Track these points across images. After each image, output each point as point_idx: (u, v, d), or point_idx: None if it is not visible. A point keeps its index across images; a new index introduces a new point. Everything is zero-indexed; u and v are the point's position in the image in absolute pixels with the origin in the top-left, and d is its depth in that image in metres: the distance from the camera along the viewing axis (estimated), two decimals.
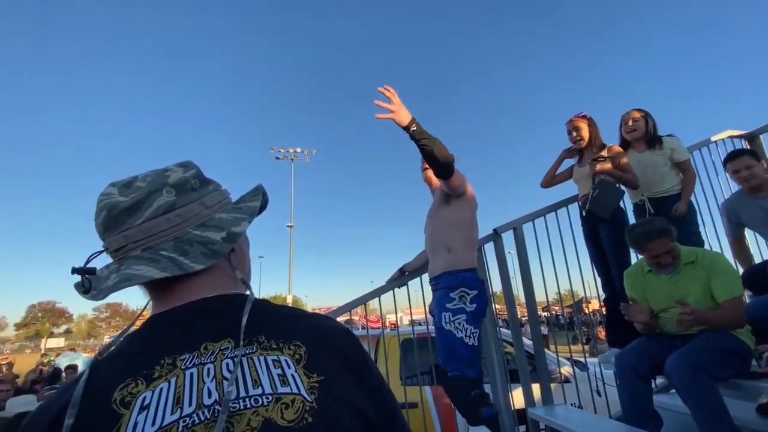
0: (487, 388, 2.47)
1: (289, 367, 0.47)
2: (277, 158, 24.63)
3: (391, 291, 2.49)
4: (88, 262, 0.53)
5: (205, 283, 0.55)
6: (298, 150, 24.67)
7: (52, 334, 49.75)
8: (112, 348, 0.51)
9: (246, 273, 0.62)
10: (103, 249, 0.54)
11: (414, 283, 2.55)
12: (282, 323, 0.53)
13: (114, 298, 0.54)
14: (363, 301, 2.46)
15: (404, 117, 1.72)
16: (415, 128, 1.73)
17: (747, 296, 2.46)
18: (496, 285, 2.69)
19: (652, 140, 2.67)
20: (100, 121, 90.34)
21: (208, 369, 0.46)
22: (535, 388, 2.38)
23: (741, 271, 2.43)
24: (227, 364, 0.47)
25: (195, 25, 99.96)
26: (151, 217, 0.52)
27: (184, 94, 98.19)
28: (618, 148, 2.70)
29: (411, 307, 2.77)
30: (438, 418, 2.87)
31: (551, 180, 2.95)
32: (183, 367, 0.46)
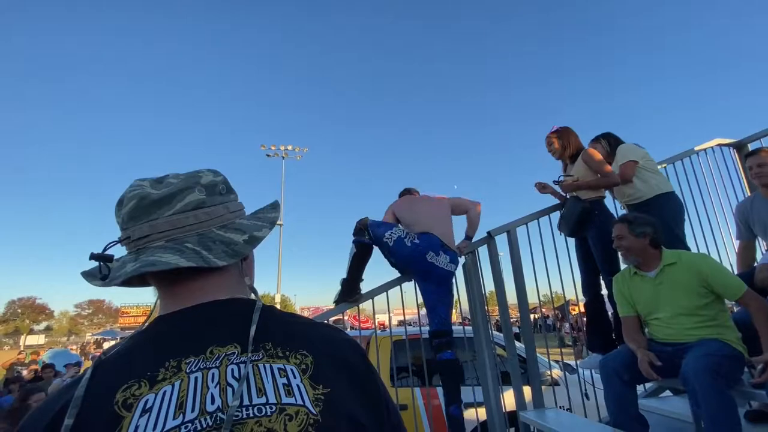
0: (478, 390, 2.49)
1: (295, 377, 0.47)
2: (268, 155, 24.36)
3: (385, 293, 2.48)
4: (106, 249, 0.53)
5: (217, 286, 0.55)
6: (290, 148, 24.43)
7: (31, 331, 48.58)
8: (117, 348, 0.50)
9: (252, 281, 0.63)
10: (121, 239, 0.54)
11: (407, 285, 2.56)
12: (289, 331, 0.53)
13: (97, 294, 0.52)
14: (355, 303, 2.44)
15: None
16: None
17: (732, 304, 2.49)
18: (488, 286, 2.70)
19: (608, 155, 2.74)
20: (87, 119, 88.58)
21: (213, 374, 0.45)
22: (526, 390, 2.39)
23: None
24: (232, 369, 0.46)
25: (187, 22, 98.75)
26: (181, 210, 0.53)
27: (173, 90, 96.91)
28: (596, 156, 2.64)
29: (404, 308, 2.76)
30: (428, 420, 2.87)
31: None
32: (188, 370, 0.45)
